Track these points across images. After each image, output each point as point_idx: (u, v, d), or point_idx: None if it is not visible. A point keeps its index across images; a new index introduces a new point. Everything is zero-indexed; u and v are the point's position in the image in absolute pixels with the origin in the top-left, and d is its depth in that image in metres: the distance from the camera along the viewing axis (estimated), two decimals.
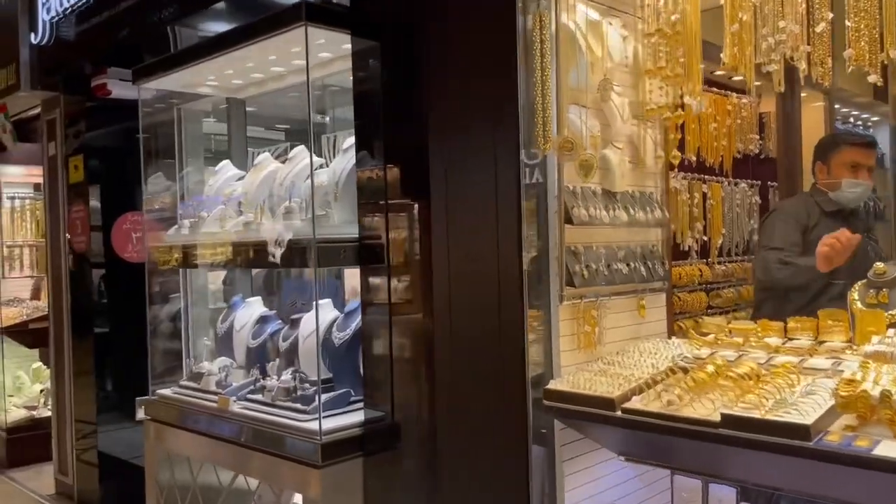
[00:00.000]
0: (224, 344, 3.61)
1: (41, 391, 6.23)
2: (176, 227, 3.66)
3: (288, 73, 3.59)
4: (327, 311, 3.20)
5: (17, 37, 4.56)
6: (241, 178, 3.65)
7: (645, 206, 2.51)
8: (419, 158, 2.63)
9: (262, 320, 3.48)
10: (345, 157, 3.10)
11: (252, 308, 3.58)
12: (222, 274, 4.19)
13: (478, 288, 2.39)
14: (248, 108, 4.10)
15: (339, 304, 3.43)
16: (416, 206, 2.69)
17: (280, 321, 3.49)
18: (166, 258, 3.58)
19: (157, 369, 3.76)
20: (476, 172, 2.36)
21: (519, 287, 2.24)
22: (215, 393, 3.27)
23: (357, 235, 2.89)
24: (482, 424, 2.41)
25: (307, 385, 3.01)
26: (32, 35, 4.50)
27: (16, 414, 5.98)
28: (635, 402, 2.02)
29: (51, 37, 4.40)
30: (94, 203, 4.74)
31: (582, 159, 2.13)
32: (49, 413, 5.65)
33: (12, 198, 6.20)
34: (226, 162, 3.78)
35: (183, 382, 3.59)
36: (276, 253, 3.04)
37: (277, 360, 3.23)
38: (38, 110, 5.25)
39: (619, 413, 2.00)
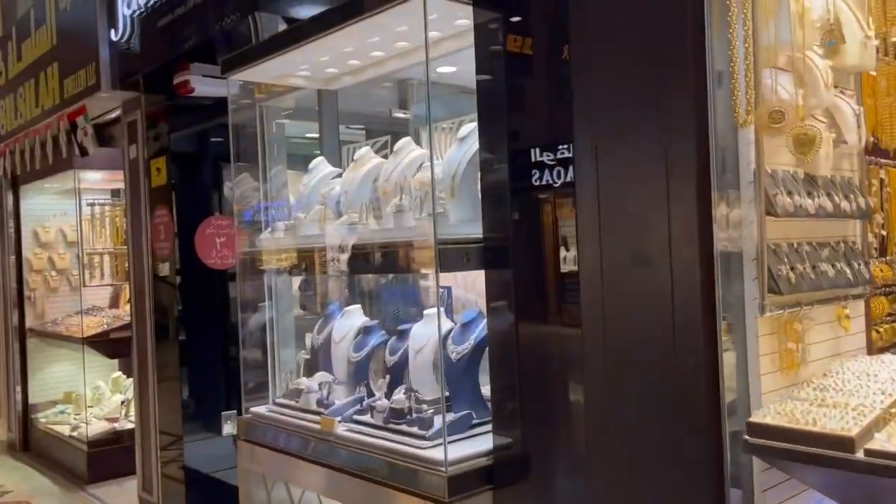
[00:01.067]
0: (321, 357, 3.29)
1: (122, 402, 6.07)
2: (269, 230, 3.36)
3: (388, 59, 3.25)
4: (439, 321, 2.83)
5: (97, 35, 4.36)
6: (337, 176, 3.33)
7: (847, 194, 2.05)
8: (557, 143, 2.25)
9: (365, 331, 3.14)
10: (461, 147, 2.73)
11: (352, 318, 3.25)
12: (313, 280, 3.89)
13: (644, 296, 1.98)
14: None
15: (447, 312, 3.07)
16: (555, 199, 2.30)
17: (384, 332, 3.14)
18: (262, 264, 3.29)
19: (247, 384, 3.49)
20: (641, 154, 1.95)
21: (707, 295, 1.81)
22: (317, 412, 2.95)
23: (480, 235, 2.52)
24: (649, 459, 2.00)
25: (424, 406, 2.65)
26: (112, 32, 4.29)
27: (97, 427, 5.82)
28: (881, 442, 1.57)
29: (132, 33, 4.18)
30: (176, 208, 4.51)
31: (799, 132, 1.70)
32: (131, 425, 5.47)
33: (91, 204, 6.07)
34: (320, 159, 3.46)
35: (278, 400, 3.28)
36: (342, 259, 2.77)
37: (386, 376, 2.87)
38: (116, 113, 5.07)
39: (860, 456, 1.56)
